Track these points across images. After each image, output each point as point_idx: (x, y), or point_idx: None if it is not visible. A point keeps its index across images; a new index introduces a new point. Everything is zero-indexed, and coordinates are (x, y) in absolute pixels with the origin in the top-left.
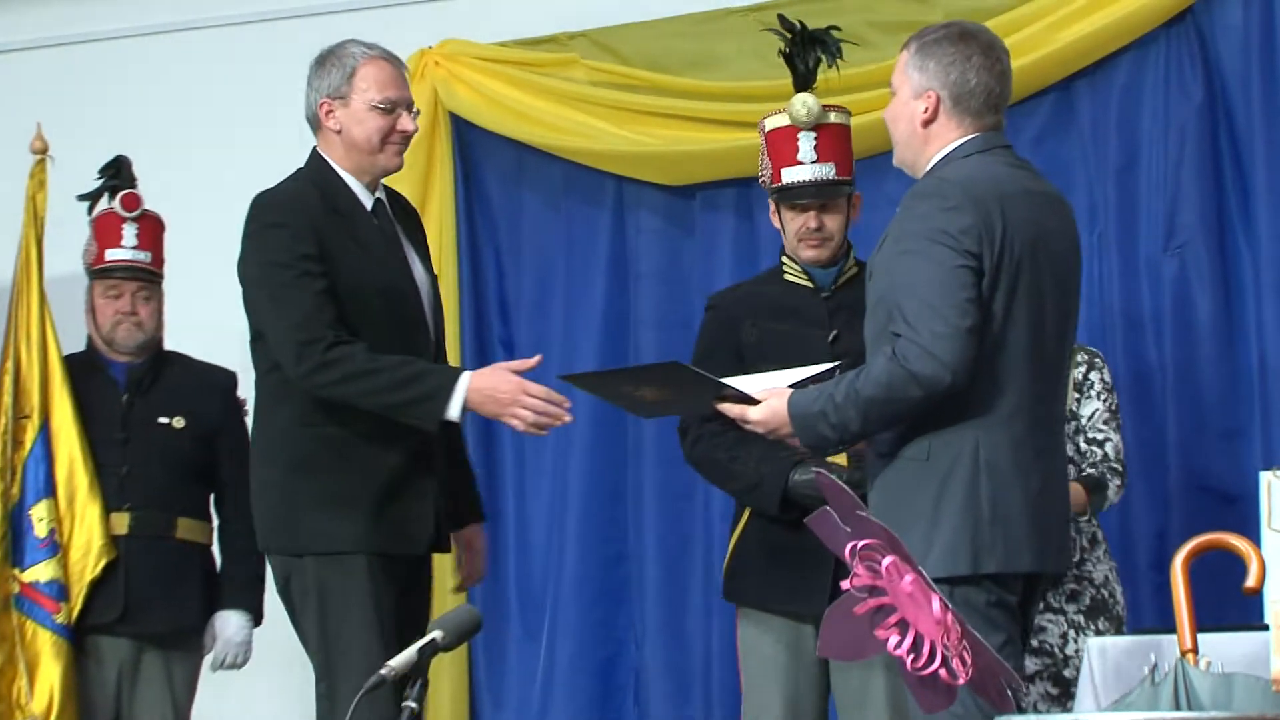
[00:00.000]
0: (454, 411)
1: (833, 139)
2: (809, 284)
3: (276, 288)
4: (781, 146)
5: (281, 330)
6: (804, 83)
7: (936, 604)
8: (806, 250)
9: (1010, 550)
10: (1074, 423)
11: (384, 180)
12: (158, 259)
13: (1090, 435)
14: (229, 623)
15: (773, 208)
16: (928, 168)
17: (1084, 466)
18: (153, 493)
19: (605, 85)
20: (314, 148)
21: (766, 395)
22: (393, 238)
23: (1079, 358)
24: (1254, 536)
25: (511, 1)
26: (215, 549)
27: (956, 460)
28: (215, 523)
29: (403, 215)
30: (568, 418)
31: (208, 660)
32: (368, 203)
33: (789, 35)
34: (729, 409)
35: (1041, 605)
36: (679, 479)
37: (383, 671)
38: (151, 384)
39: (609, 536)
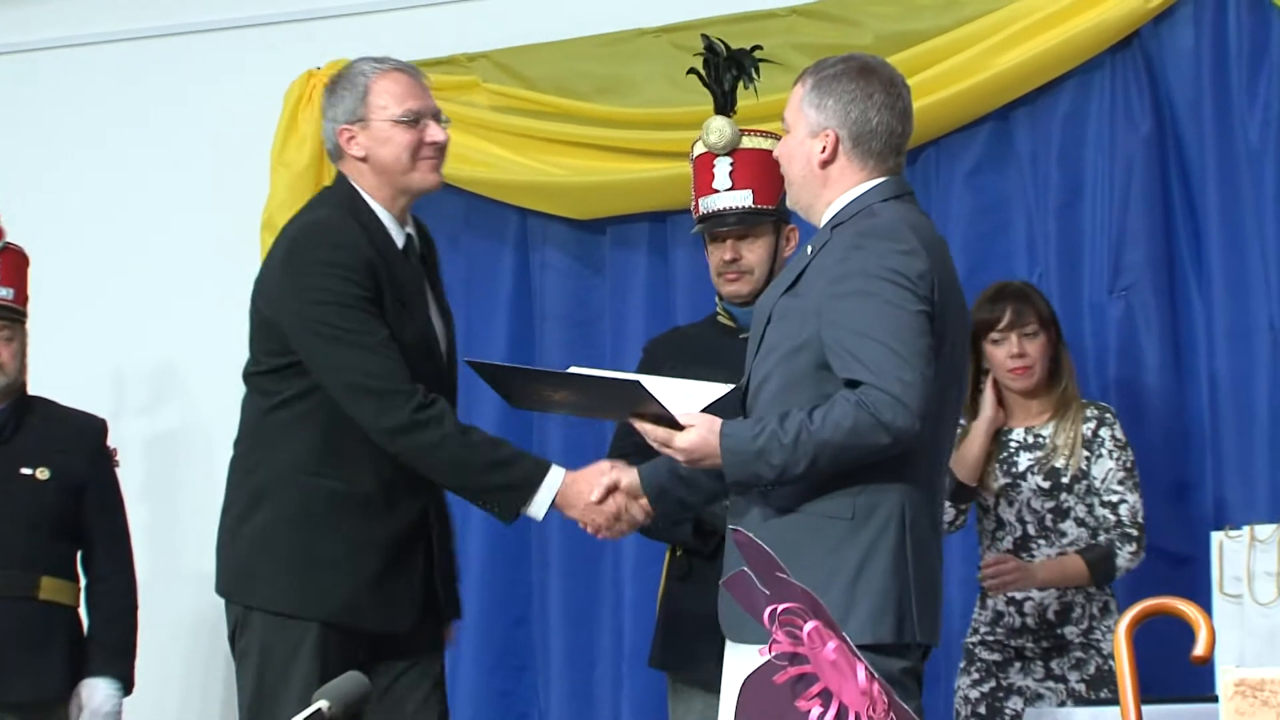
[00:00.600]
0: (538, 509)
1: (751, 165)
2: (731, 324)
3: (341, 330)
4: (701, 174)
5: (354, 377)
6: (722, 106)
7: (862, 673)
8: (725, 285)
9: (933, 621)
10: (1084, 483)
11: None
12: (21, 296)
13: (1105, 498)
14: (96, 691)
15: (704, 244)
16: (832, 212)
17: (1098, 532)
18: (14, 550)
19: (508, 111)
20: (339, 175)
21: (693, 421)
22: (419, 283)
23: (1088, 413)
24: (1204, 601)
25: (408, 19)
26: (82, 611)
27: (885, 520)
28: (83, 582)
29: (425, 250)
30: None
31: None
32: (399, 239)
33: (709, 55)
34: (650, 430)
35: (1042, 672)
36: (587, 538)
37: None
38: (14, 432)
39: (512, 599)
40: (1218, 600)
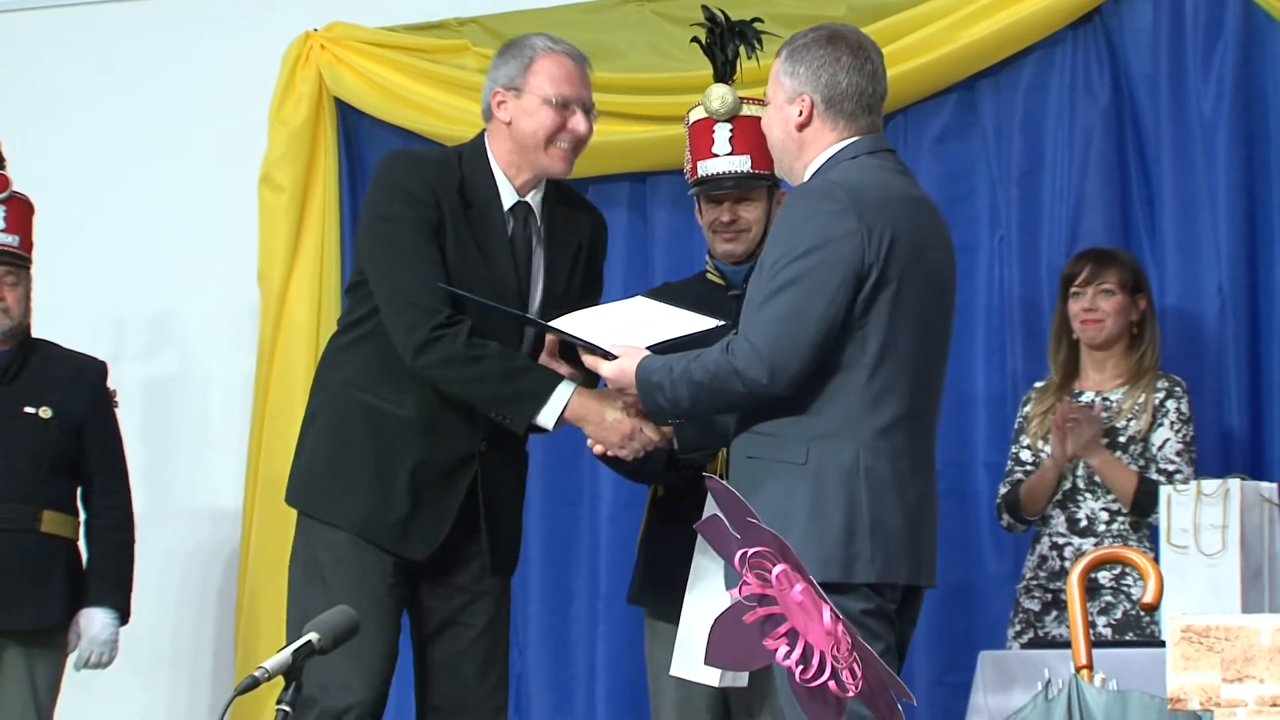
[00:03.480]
0: (548, 418)
1: (750, 131)
2: (721, 282)
3: (392, 245)
4: (699, 139)
5: (391, 289)
6: (723, 74)
7: (827, 614)
8: (721, 244)
9: (888, 561)
10: (1139, 445)
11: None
12: (26, 242)
13: (1162, 466)
14: (94, 620)
15: (697, 205)
16: (810, 172)
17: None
18: (17, 485)
19: None
20: (482, 132)
21: (620, 352)
22: (523, 243)
23: (1159, 384)
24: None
25: None
26: (82, 544)
27: (836, 467)
28: (82, 517)
29: (562, 225)
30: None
31: (71, 659)
32: (508, 201)
33: (710, 26)
34: (587, 359)
35: None
36: (565, 483)
37: (255, 673)
38: (17, 373)
39: None
40: (1166, 551)
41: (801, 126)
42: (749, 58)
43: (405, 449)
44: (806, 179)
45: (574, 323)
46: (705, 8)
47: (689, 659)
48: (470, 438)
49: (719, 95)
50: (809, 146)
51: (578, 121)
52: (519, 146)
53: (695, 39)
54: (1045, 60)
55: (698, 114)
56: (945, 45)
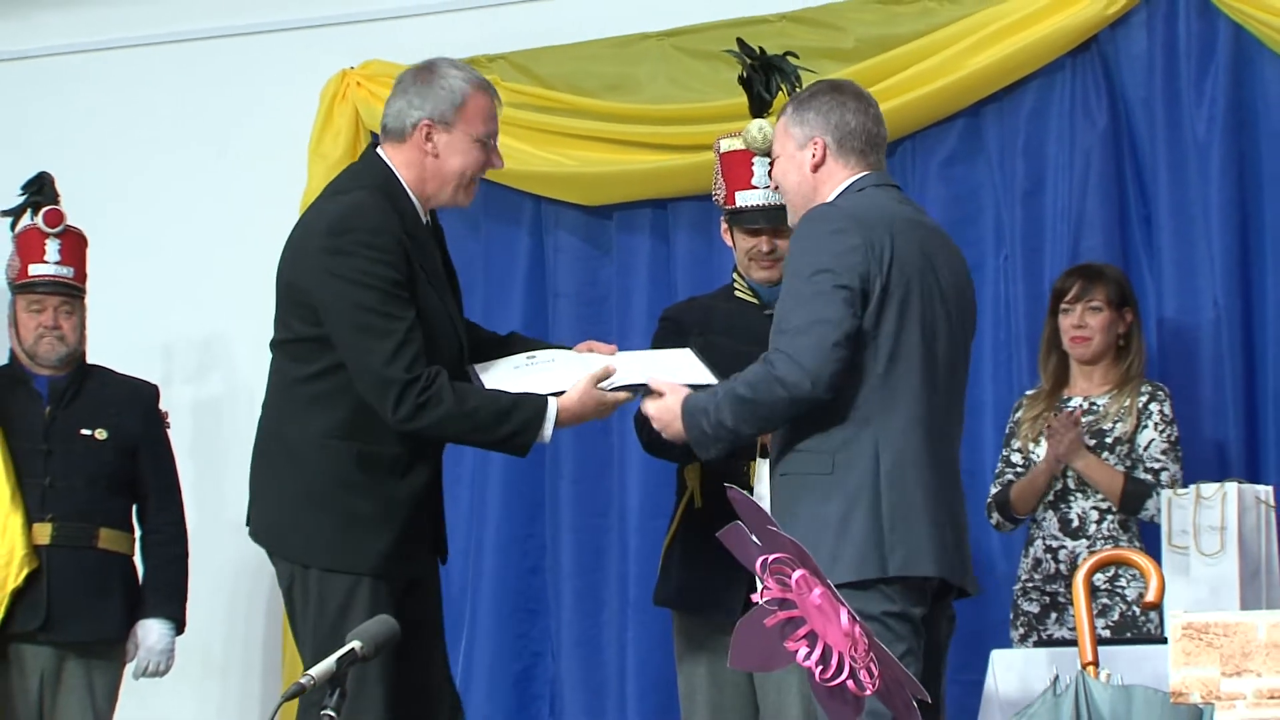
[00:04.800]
0: (548, 436)
1: None
2: (755, 301)
3: (374, 316)
4: (736, 170)
5: (372, 365)
6: (759, 108)
7: (845, 616)
8: (758, 271)
9: (912, 554)
10: (1126, 446)
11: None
12: (80, 274)
13: (1148, 465)
14: (151, 631)
15: (724, 226)
16: None
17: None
18: (75, 503)
19: (524, 107)
20: (375, 153)
21: (669, 390)
22: (438, 261)
23: (1143, 389)
24: (1155, 554)
25: (432, 24)
26: (137, 559)
27: (860, 470)
28: (137, 533)
29: (436, 229)
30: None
31: (130, 668)
32: (424, 219)
33: (749, 61)
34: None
35: (1074, 620)
36: (595, 494)
37: (302, 680)
38: (74, 397)
39: (526, 550)
40: (1166, 552)
41: (816, 167)
42: (789, 93)
43: (400, 485)
44: None
45: (625, 364)
46: (740, 40)
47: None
48: (433, 458)
49: (760, 129)
50: (824, 185)
51: (496, 158)
52: (436, 178)
53: (741, 77)
54: (1046, 87)
55: (732, 143)
56: (950, 74)
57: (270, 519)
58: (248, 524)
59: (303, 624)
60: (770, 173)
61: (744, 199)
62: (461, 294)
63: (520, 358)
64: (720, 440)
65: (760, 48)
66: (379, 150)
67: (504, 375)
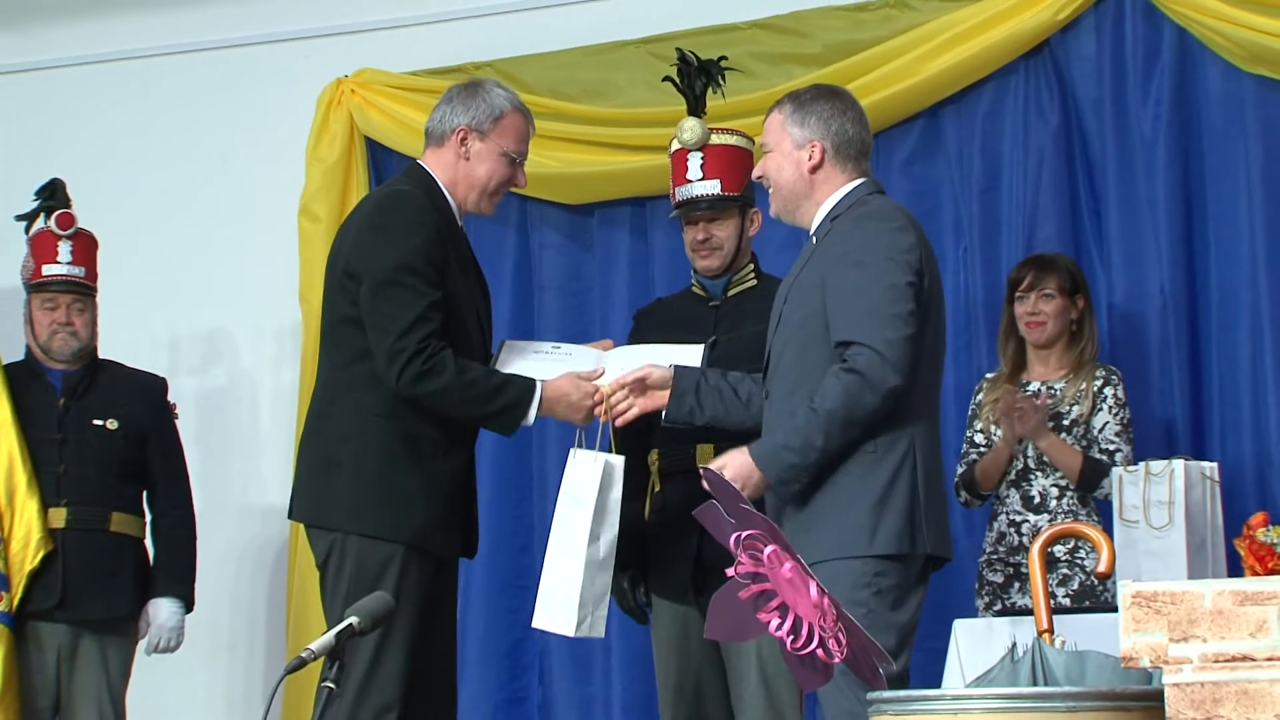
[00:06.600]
0: (531, 418)
1: (719, 158)
2: (704, 294)
3: (394, 289)
4: (676, 167)
5: (386, 334)
6: (694, 108)
7: (814, 589)
8: (699, 260)
9: (939, 536)
10: (1081, 428)
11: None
12: (91, 273)
13: (1103, 446)
14: (162, 609)
15: (681, 225)
16: (827, 208)
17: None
18: (88, 489)
19: None
20: (416, 161)
21: (728, 459)
22: (470, 260)
23: (1097, 373)
24: (1107, 527)
25: (423, 33)
26: (148, 542)
27: (900, 455)
28: (148, 517)
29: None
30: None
31: (142, 645)
32: (459, 221)
33: (682, 65)
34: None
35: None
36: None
37: (303, 654)
38: (87, 389)
39: (516, 530)
40: (1118, 525)
41: (814, 169)
42: (714, 93)
43: (440, 464)
44: (819, 219)
45: (624, 358)
46: (678, 49)
47: (548, 612)
48: (470, 445)
49: (689, 128)
50: (820, 188)
51: (521, 176)
52: (465, 181)
53: (667, 77)
54: (1000, 88)
55: (675, 144)
56: (911, 77)
57: (315, 492)
58: (290, 502)
59: (334, 592)
60: (761, 165)
61: (681, 193)
62: (490, 297)
63: (546, 345)
64: (813, 465)
65: (694, 54)
66: (420, 161)
67: (523, 359)
